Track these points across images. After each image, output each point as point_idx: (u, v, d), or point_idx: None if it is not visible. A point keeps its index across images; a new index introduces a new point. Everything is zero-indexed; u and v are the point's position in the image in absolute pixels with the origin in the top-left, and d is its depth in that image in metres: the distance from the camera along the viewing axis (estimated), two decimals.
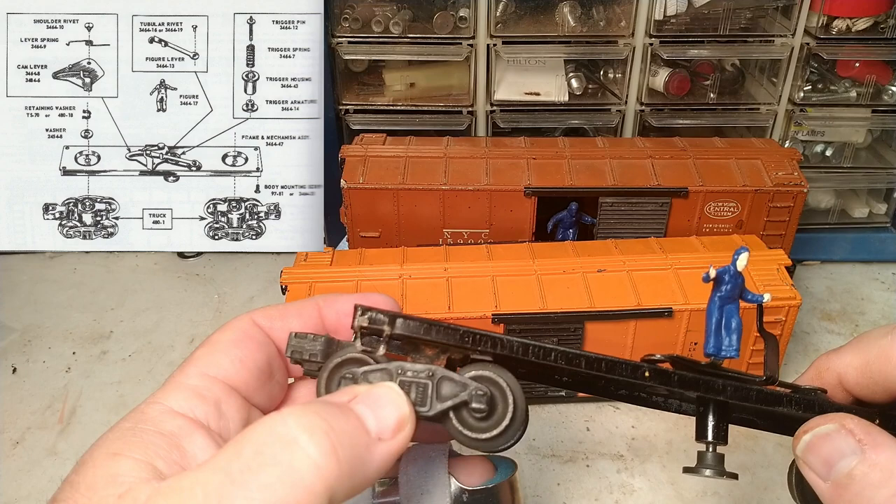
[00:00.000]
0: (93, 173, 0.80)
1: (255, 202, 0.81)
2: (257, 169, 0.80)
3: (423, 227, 0.80)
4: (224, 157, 0.80)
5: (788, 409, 0.38)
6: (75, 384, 0.78)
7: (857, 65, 0.87)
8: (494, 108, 0.89)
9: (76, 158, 0.79)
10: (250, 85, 0.79)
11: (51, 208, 0.80)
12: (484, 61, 0.86)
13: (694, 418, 0.40)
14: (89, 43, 0.78)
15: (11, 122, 0.79)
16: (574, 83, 0.89)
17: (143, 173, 0.80)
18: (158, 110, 0.79)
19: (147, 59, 0.79)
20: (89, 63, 0.78)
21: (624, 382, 0.38)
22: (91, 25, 0.78)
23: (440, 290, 0.69)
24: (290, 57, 0.79)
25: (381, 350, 0.33)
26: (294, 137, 0.80)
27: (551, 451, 0.70)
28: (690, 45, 0.85)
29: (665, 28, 0.84)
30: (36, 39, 0.78)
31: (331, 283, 0.69)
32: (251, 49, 0.79)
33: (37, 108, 0.79)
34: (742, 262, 0.39)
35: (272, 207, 0.81)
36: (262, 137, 0.80)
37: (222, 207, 0.81)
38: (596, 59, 0.90)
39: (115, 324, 0.86)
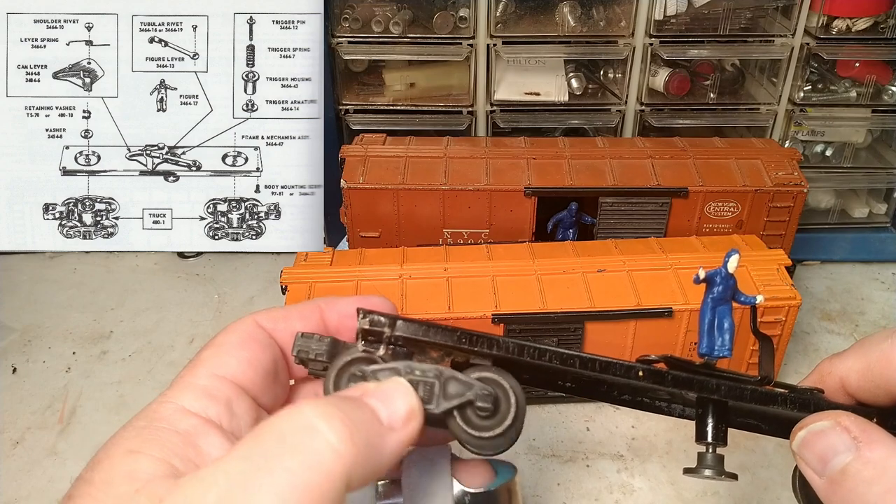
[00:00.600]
0: (93, 173, 0.80)
1: (255, 202, 0.81)
2: (257, 169, 0.80)
3: (423, 227, 0.80)
4: (224, 157, 0.80)
5: (783, 409, 0.38)
6: (75, 384, 0.78)
7: (857, 65, 0.87)
8: (494, 108, 0.89)
9: (76, 158, 0.79)
10: (250, 85, 0.79)
11: (51, 208, 0.80)
12: (484, 61, 0.86)
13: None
14: (89, 43, 0.78)
15: (11, 122, 0.79)
16: (574, 83, 0.89)
17: (143, 173, 0.80)
18: (158, 110, 0.79)
19: (147, 59, 0.79)
20: (89, 63, 0.78)
21: (625, 387, 0.39)
22: (91, 25, 0.78)
23: (440, 290, 0.69)
24: (290, 57, 0.79)
25: (382, 351, 0.35)
26: (294, 137, 0.80)
27: (551, 451, 0.70)
28: (690, 45, 0.85)
29: (665, 28, 0.84)
30: (36, 39, 0.78)
31: (331, 283, 0.69)
32: (251, 49, 0.79)
33: (37, 108, 0.79)
34: (733, 264, 0.40)
35: (272, 207, 0.81)
36: (262, 137, 0.80)
37: (222, 207, 0.81)
38: (596, 59, 0.90)
39: (115, 324, 0.86)
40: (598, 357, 0.37)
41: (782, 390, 0.39)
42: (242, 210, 0.81)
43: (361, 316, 0.34)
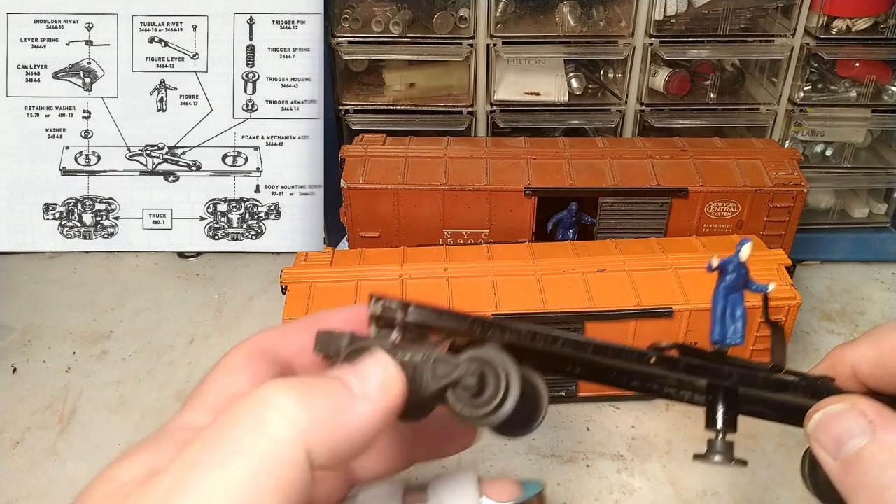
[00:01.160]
0: (93, 173, 0.80)
1: (255, 202, 0.81)
2: (257, 169, 0.80)
3: (423, 227, 0.80)
4: (224, 157, 0.80)
5: (795, 396, 0.38)
6: (75, 384, 0.78)
7: (857, 65, 0.87)
8: (494, 108, 0.89)
9: (76, 158, 0.79)
10: (250, 85, 0.79)
11: (51, 208, 0.80)
12: (484, 61, 0.86)
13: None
14: (89, 43, 0.78)
15: (11, 122, 0.79)
16: (574, 83, 0.89)
17: (143, 173, 0.80)
18: (158, 110, 0.79)
19: (147, 59, 0.79)
20: (89, 63, 0.78)
21: (635, 373, 0.39)
22: (91, 25, 0.78)
23: (440, 290, 0.69)
24: (290, 57, 0.79)
25: (395, 336, 0.35)
26: (294, 137, 0.80)
27: (551, 451, 0.70)
28: (690, 45, 0.85)
29: (665, 28, 0.84)
30: (36, 39, 0.78)
31: (331, 283, 0.69)
32: (251, 49, 0.79)
33: (37, 108, 0.79)
34: (745, 252, 0.40)
35: (272, 207, 0.81)
36: (262, 137, 0.80)
37: (222, 207, 0.81)
38: (596, 59, 0.90)
39: (115, 324, 0.86)
40: (610, 344, 0.37)
41: (794, 378, 0.40)
42: (242, 210, 0.81)
43: (374, 301, 0.34)
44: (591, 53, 0.87)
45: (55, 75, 0.79)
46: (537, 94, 0.88)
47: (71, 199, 0.80)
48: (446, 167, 0.80)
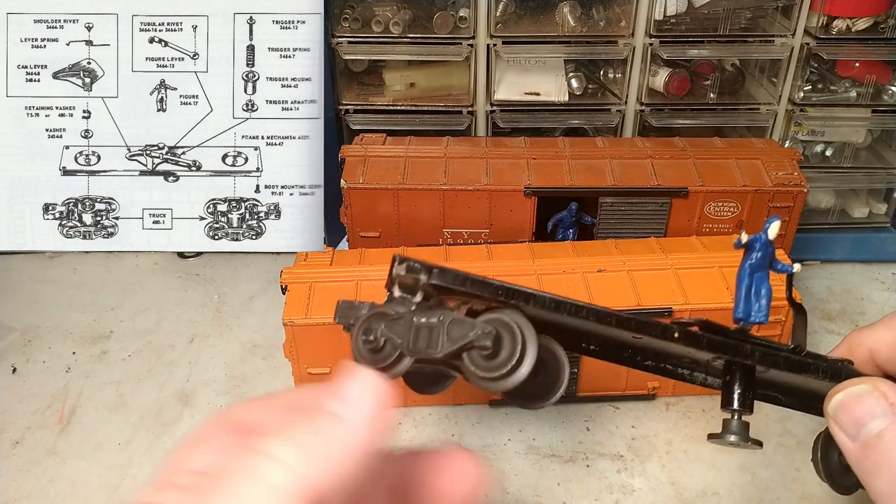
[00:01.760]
0: (93, 173, 0.80)
1: (255, 202, 0.81)
2: (257, 169, 0.80)
3: (423, 227, 0.80)
4: (224, 157, 0.80)
5: (815, 377, 0.38)
6: (75, 384, 0.78)
7: (857, 65, 0.87)
8: (494, 108, 0.89)
9: (76, 158, 0.79)
10: (250, 85, 0.79)
11: (51, 208, 0.80)
12: (484, 61, 0.86)
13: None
14: (89, 43, 0.78)
15: (11, 122, 0.79)
16: (574, 83, 0.89)
17: (143, 173, 0.80)
18: (158, 110, 0.79)
19: (147, 59, 0.79)
20: (89, 63, 0.78)
21: (650, 351, 0.38)
22: (91, 25, 0.78)
23: None
24: (290, 57, 0.79)
25: (418, 298, 0.34)
26: (294, 137, 0.80)
27: (551, 451, 0.70)
28: (690, 45, 0.85)
29: (665, 28, 0.84)
30: (36, 39, 0.78)
31: (331, 283, 0.69)
32: (251, 49, 0.79)
33: (37, 108, 0.79)
34: (774, 230, 0.40)
35: (272, 207, 0.81)
36: (262, 137, 0.80)
37: (222, 207, 0.81)
38: (596, 59, 0.90)
39: (115, 324, 0.86)
40: (634, 317, 0.37)
41: (814, 360, 0.39)
42: (242, 210, 0.81)
43: (398, 262, 0.34)
44: (591, 53, 0.87)
45: (55, 75, 0.79)
46: (537, 94, 0.88)
47: (71, 199, 0.80)
48: (446, 167, 0.80)
